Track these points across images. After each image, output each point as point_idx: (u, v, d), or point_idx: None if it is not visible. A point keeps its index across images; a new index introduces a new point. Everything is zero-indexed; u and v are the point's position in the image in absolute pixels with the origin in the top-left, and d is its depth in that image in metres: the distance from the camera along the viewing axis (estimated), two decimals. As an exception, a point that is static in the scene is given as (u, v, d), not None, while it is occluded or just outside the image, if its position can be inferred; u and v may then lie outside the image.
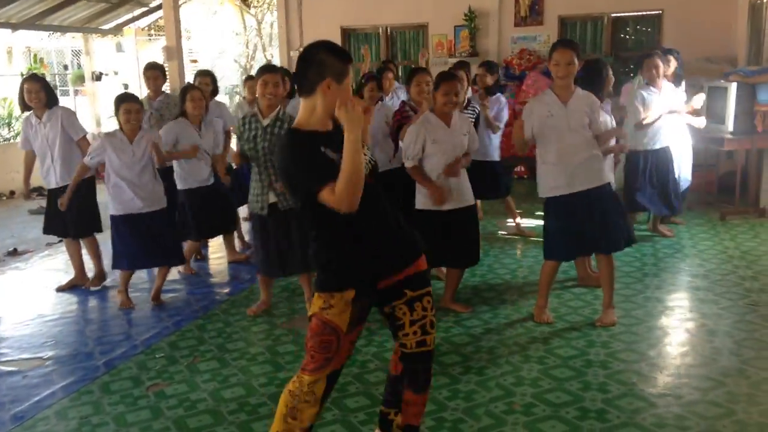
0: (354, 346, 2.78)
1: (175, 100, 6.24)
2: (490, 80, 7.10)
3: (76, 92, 14.99)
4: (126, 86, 13.99)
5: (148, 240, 5.15)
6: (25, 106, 5.57)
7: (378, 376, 3.88)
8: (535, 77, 10.41)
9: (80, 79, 14.27)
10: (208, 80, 6.47)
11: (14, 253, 7.08)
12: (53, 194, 5.63)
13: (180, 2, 16.38)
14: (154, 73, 6.32)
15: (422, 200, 4.74)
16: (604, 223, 4.37)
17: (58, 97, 6.01)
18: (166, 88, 6.70)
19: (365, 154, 2.60)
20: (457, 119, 4.76)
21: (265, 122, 4.63)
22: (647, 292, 5.13)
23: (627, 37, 10.73)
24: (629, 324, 4.52)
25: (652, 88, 6.20)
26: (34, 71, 11.00)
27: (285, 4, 11.81)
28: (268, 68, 4.90)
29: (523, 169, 10.46)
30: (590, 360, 3.98)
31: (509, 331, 4.51)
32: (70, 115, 5.65)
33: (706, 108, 7.28)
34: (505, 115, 6.83)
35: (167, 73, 7.21)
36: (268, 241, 4.76)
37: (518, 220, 7.12)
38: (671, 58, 6.64)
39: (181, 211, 5.76)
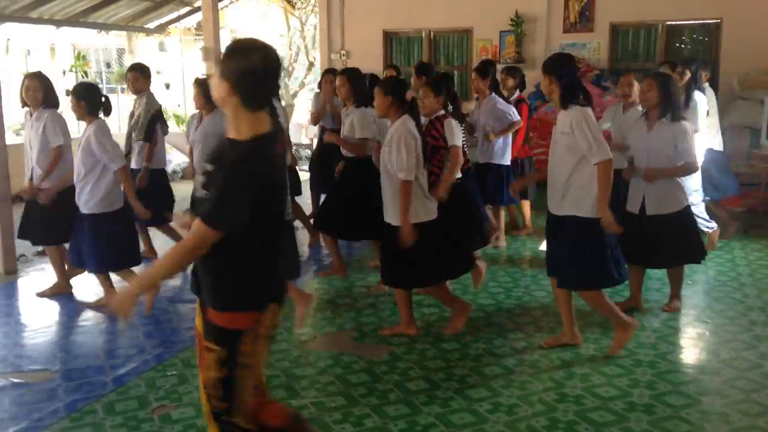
0: None
1: (150, 100, 6.36)
2: (511, 83, 6.90)
3: (122, 90, 15.06)
4: (168, 86, 13.99)
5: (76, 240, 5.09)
6: (23, 102, 5.48)
7: (419, 384, 3.85)
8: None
9: (123, 77, 14.31)
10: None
11: (42, 254, 6.97)
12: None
13: (227, 3, 16.37)
14: (133, 74, 6.34)
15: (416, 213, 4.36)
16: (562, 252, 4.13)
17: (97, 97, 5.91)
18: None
19: None
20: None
21: None
22: (696, 324, 4.72)
23: (682, 46, 10.23)
24: (675, 361, 4.13)
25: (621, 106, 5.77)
26: (80, 67, 11.03)
27: (327, 7, 11.62)
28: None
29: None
30: (633, 403, 3.62)
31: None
32: (54, 121, 5.40)
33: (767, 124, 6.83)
34: (513, 116, 6.45)
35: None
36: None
37: (500, 237, 6.75)
38: (685, 70, 6.41)
39: None
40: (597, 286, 4.14)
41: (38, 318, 5.14)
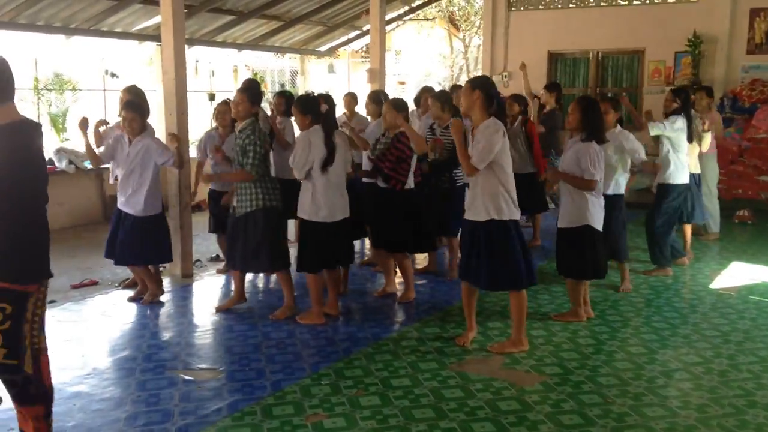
0: None
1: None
2: (517, 109, 7.61)
3: (292, 109, 15.85)
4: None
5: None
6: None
7: (572, 419, 3.48)
8: (769, 111, 9.21)
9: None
10: (282, 100, 7.10)
11: (216, 259, 7.45)
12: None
13: (393, 26, 16.87)
14: (222, 107, 6.54)
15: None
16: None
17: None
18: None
19: None
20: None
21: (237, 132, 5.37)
22: None
23: None
24: None
25: None
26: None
27: (491, 28, 11.63)
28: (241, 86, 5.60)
29: (746, 213, 9.28)
30: None
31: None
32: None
33: None
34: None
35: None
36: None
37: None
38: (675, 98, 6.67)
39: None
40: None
41: (209, 320, 5.51)
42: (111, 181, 6.15)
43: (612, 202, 5.68)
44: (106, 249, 5.92)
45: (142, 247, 5.77)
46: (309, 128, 5.14)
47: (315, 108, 5.20)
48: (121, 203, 5.77)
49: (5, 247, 2.95)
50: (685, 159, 6.59)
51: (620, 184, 5.87)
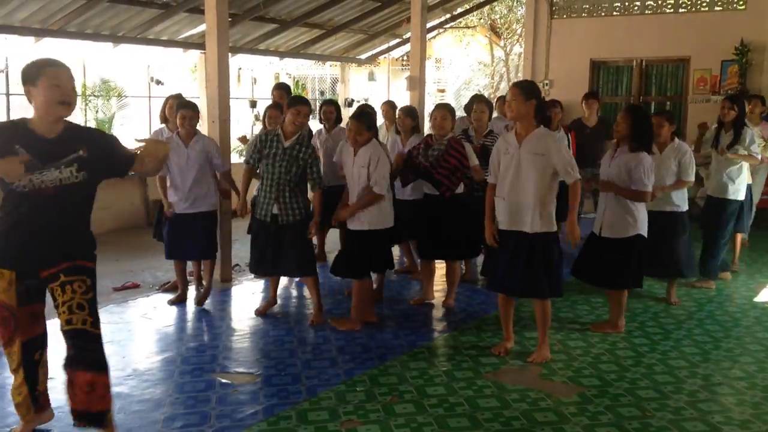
0: (38, 320, 3.43)
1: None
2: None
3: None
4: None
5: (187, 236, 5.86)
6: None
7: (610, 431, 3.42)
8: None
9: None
10: (332, 108, 7.17)
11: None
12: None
13: (434, 34, 16.88)
14: (274, 112, 6.52)
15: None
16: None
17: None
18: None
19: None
20: (363, 150, 5.14)
21: (287, 144, 5.28)
22: None
23: None
24: None
25: None
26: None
27: (533, 36, 11.55)
28: (299, 100, 5.49)
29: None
30: None
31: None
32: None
33: None
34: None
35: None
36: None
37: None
38: (733, 105, 6.42)
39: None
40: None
41: (247, 324, 5.57)
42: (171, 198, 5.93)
43: (677, 218, 5.67)
44: (171, 251, 5.98)
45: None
46: (368, 142, 5.20)
47: (375, 123, 5.51)
48: (192, 207, 5.81)
49: (88, 234, 3.49)
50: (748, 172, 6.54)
51: (684, 200, 5.78)
